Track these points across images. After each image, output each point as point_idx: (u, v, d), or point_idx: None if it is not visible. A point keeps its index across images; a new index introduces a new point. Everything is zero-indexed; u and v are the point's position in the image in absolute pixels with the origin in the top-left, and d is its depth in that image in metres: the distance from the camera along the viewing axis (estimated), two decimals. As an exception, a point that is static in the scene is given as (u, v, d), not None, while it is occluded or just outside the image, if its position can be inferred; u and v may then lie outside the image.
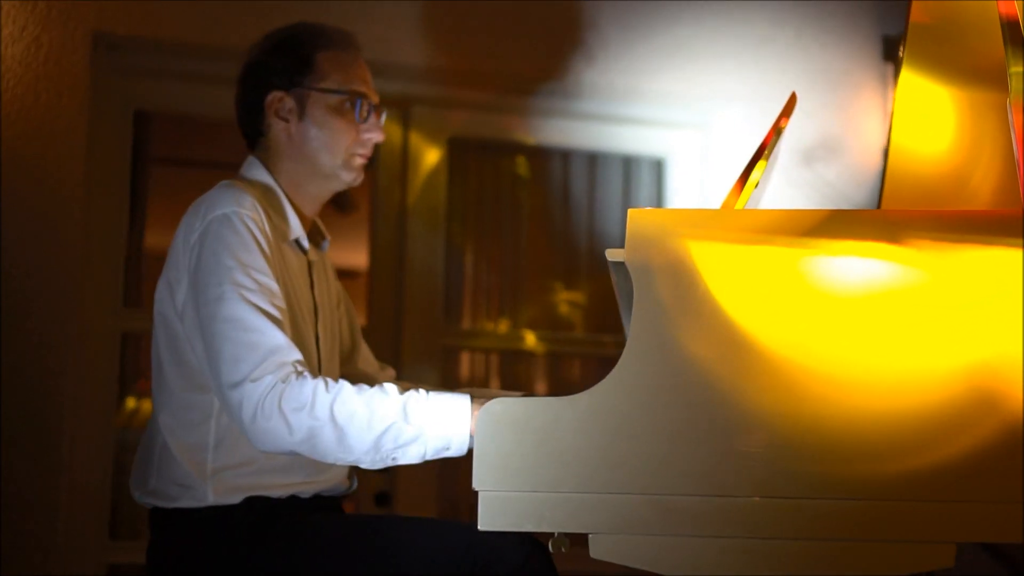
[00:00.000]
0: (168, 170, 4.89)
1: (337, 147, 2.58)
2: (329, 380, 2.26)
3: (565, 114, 4.34)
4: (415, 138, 4.23)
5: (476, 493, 2.00)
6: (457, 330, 4.39)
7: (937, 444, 1.94)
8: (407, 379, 3.86)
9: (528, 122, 4.34)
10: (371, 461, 2.25)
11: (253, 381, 2.24)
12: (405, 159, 4.23)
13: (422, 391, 2.25)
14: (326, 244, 2.75)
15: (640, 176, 4.52)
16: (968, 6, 2.38)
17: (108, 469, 3.85)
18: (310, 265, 2.63)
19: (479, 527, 1.98)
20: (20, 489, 3.62)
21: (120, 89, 3.92)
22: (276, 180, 2.58)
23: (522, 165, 4.52)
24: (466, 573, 2.30)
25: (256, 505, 2.43)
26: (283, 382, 2.24)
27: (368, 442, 2.23)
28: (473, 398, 2.20)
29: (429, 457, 2.25)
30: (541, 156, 4.50)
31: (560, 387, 4.47)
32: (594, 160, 4.52)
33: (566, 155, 4.50)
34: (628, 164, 4.53)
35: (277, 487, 2.46)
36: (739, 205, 2.29)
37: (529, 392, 3.10)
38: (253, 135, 2.63)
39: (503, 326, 4.48)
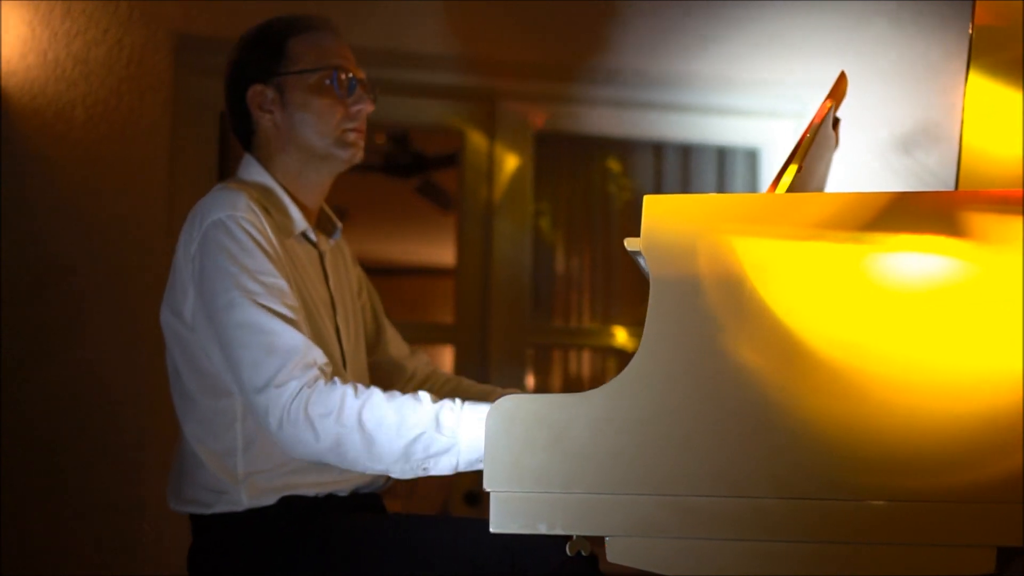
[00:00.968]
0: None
1: (325, 126, 2.52)
2: (359, 386, 2.20)
3: (657, 106, 4.24)
4: (501, 134, 4.17)
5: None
6: (547, 327, 4.33)
7: (993, 448, 1.82)
8: (496, 380, 3.82)
9: (618, 115, 4.26)
10: (401, 470, 2.19)
11: (278, 387, 2.20)
12: (491, 156, 4.17)
13: (457, 400, 2.18)
14: (338, 232, 2.69)
15: (735, 167, 4.41)
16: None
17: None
18: (322, 256, 2.58)
19: (491, 529, 1.91)
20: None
21: (203, 90, 3.92)
22: (273, 175, 2.54)
23: (613, 159, 4.44)
24: (505, 574, 2.23)
25: (292, 505, 2.39)
26: (309, 387, 2.20)
27: (397, 450, 2.16)
28: None
29: (461, 469, 2.17)
30: (631, 149, 4.41)
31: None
32: (687, 152, 4.42)
33: (659, 147, 4.41)
34: (722, 155, 4.42)
35: (311, 486, 2.41)
36: (779, 190, 2.17)
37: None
38: (245, 135, 2.60)
39: (594, 323, 4.40)
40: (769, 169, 4.32)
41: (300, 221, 2.51)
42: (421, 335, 5.30)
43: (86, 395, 3.67)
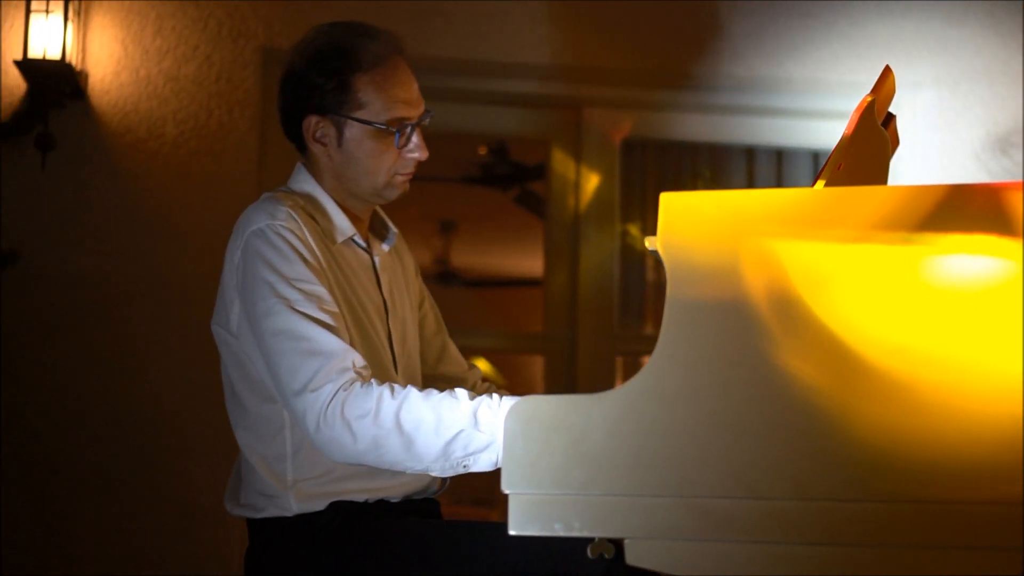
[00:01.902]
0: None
1: (378, 173, 2.48)
2: (396, 386, 2.20)
3: (747, 110, 4.19)
4: (588, 141, 4.15)
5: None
6: (638, 335, 4.29)
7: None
8: (584, 389, 3.81)
9: (709, 120, 4.22)
10: (441, 468, 2.19)
11: (314, 390, 2.21)
12: (578, 163, 4.15)
13: (495, 396, 2.18)
14: (392, 237, 2.65)
15: (828, 171, 4.33)
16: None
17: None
18: (375, 262, 2.58)
19: (509, 531, 1.89)
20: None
21: (290, 104, 3.97)
22: (322, 185, 2.52)
23: (703, 164, 4.39)
24: (549, 579, 2.22)
25: (341, 510, 2.40)
26: (345, 390, 2.20)
27: (437, 449, 2.16)
28: None
29: (501, 465, 2.16)
30: (722, 154, 4.37)
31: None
32: (781, 156, 4.36)
33: (751, 151, 4.35)
34: (818, 159, 4.35)
35: (360, 492, 2.42)
36: (818, 185, 2.13)
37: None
38: (298, 145, 2.57)
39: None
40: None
41: (347, 228, 2.51)
42: (510, 344, 5.31)
43: (185, 399, 3.74)
